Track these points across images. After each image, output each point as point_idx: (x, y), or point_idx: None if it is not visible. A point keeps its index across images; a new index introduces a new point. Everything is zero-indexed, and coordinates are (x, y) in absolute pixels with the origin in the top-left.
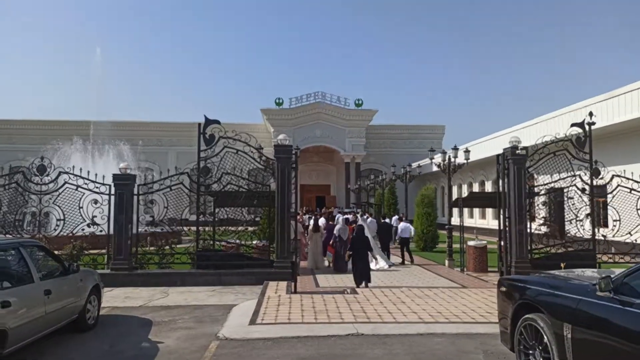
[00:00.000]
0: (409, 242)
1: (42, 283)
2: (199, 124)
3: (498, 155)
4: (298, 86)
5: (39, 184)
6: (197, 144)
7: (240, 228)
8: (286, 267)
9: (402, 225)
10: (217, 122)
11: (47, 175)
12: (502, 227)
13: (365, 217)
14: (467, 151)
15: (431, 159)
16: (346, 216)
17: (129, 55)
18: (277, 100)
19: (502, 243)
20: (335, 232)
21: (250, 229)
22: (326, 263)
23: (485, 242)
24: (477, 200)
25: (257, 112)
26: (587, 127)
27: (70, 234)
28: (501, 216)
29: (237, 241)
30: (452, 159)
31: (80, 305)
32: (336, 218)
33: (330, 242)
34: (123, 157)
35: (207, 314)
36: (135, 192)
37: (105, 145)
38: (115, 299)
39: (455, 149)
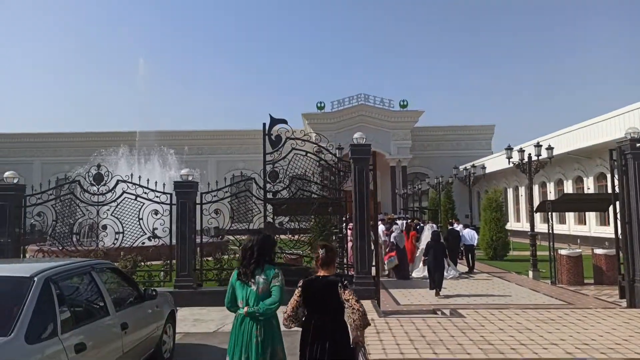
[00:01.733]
0: (474, 249)
1: (118, 315)
2: (264, 124)
3: (612, 150)
4: (337, 91)
5: (95, 194)
6: (263, 146)
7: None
8: (368, 283)
9: (466, 231)
10: (284, 121)
11: (105, 184)
12: (620, 234)
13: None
14: (550, 148)
15: (509, 157)
16: (401, 222)
17: (163, 65)
18: (319, 104)
19: (621, 253)
20: (392, 239)
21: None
22: (386, 272)
23: (579, 250)
24: (573, 204)
25: (297, 118)
26: None
27: (130, 247)
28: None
29: (300, 252)
30: (535, 156)
31: (157, 337)
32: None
33: (387, 250)
34: (169, 166)
35: (297, 342)
36: (198, 200)
37: (151, 155)
38: (184, 322)
39: (538, 145)
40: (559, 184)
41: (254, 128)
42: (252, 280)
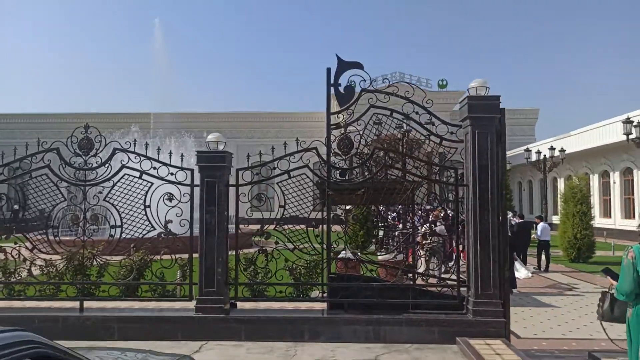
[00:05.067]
0: (549, 246)
1: None
2: (328, 70)
3: None
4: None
5: (82, 168)
6: (326, 102)
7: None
8: (493, 312)
9: (541, 225)
10: (358, 65)
11: (95, 154)
12: None
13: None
14: None
15: (627, 133)
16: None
17: (182, 44)
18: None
19: None
20: None
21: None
22: None
23: None
24: None
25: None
26: None
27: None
28: None
29: (358, 255)
30: None
31: None
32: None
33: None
34: (188, 150)
35: None
36: (233, 181)
37: (167, 138)
38: None
39: None
40: None
41: (272, 111)
42: None
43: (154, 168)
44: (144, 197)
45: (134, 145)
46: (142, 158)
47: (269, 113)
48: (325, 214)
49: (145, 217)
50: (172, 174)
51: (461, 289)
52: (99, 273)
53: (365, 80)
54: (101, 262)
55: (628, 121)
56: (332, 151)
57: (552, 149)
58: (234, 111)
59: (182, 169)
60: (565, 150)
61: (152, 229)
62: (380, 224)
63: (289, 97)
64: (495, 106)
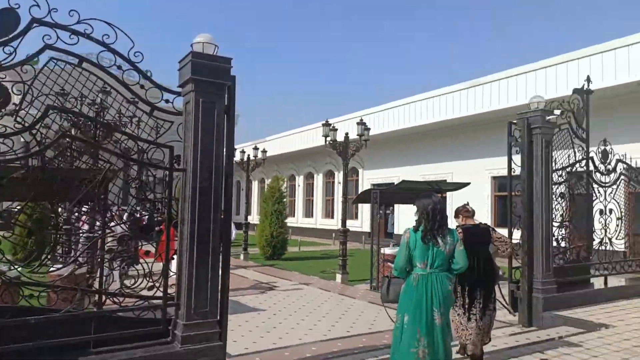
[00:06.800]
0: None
1: None
2: None
3: (511, 123)
4: None
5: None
6: None
7: None
8: (209, 335)
9: None
10: None
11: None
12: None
13: None
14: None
15: (325, 135)
16: None
17: None
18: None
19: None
20: None
21: None
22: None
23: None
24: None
25: None
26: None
27: None
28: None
29: (7, 275)
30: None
31: None
32: None
33: None
34: None
35: None
36: None
37: None
38: None
39: (362, 123)
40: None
41: None
42: (439, 241)
43: None
44: None
45: None
46: None
47: None
48: None
49: None
50: None
51: (170, 309)
52: None
53: (40, 8)
54: None
55: (326, 124)
56: None
57: (256, 148)
58: None
59: None
60: (266, 152)
61: None
62: (60, 226)
63: None
64: (226, 70)
